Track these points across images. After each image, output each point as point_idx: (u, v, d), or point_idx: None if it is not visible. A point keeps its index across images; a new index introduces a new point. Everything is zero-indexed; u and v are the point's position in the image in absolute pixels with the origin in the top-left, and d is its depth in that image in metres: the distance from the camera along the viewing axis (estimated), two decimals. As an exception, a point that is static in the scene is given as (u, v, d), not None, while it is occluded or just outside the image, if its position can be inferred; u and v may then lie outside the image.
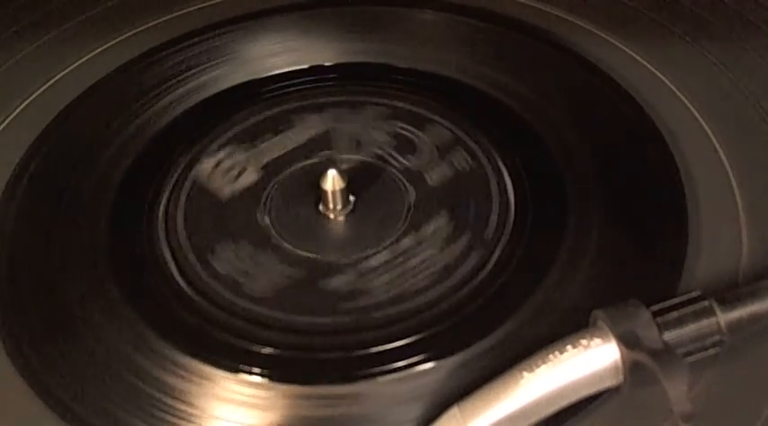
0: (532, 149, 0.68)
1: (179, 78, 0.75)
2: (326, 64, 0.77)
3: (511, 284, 0.60)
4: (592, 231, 0.63)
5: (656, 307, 0.52)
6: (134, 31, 0.80)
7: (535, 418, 0.51)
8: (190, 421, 0.55)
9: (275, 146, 0.70)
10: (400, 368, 0.56)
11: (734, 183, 0.65)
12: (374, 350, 0.57)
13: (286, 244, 0.63)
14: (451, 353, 0.56)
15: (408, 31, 0.79)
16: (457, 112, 0.71)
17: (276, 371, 0.57)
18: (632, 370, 0.51)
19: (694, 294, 0.53)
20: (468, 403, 0.51)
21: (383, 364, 0.57)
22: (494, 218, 0.64)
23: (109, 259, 0.64)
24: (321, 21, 0.80)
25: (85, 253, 0.64)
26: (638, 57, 0.74)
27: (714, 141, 0.68)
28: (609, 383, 0.52)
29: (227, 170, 0.69)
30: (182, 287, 0.62)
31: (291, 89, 0.75)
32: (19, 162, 0.70)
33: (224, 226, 0.65)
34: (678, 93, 0.71)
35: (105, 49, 0.79)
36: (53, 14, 0.82)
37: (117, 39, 0.80)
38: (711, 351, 0.52)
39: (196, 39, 0.78)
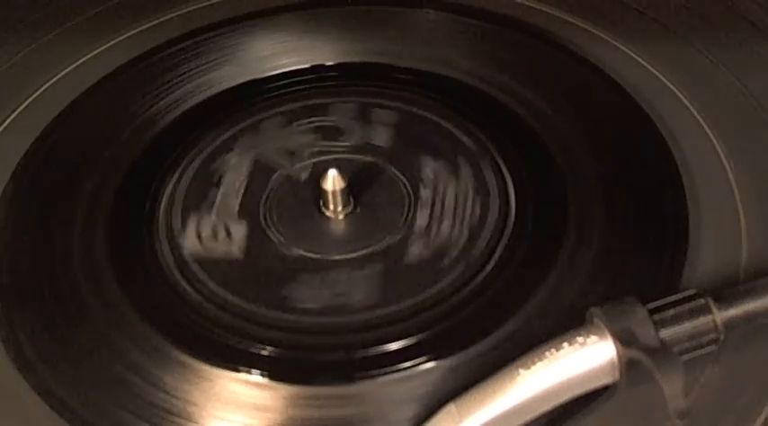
0: (532, 149, 0.68)
1: (179, 78, 0.75)
2: (327, 64, 0.77)
3: (511, 284, 0.60)
4: (592, 231, 0.63)
5: (652, 305, 0.52)
6: (134, 31, 0.80)
7: (531, 415, 0.51)
8: (190, 421, 0.55)
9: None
10: (400, 369, 0.56)
11: (734, 183, 0.65)
12: (374, 350, 0.57)
13: (286, 244, 0.64)
14: (451, 353, 0.56)
15: (408, 31, 0.79)
16: (457, 112, 0.71)
17: (276, 371, 0.57)
18: (628, 368, 0.51)
19: (691, 292, 0.53)
20: (464, 400, 0.51)
21: (383, 364, 0.56)
22: (494, 218, 0.64)
23: (109, 259, 0.64)
24: (321, 21, 0.80)
25: (85, 254, 0.64)
26: (638, 58, 0.74)
27: (714, 141, 0.68)
28: (605, 380, 0.52)
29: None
30: (182, 287, 0.62)
31: (292, 89, 0.75)
32: (19, 162, 0.70)
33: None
34: (678, 93, 0.71)
35: (105, 49, 0.79)
36: (53, 14, 0.82)
37: (117, 39, 0.80)
38: (708, 349, 0.52)
39: (196, 39, 0.78)
